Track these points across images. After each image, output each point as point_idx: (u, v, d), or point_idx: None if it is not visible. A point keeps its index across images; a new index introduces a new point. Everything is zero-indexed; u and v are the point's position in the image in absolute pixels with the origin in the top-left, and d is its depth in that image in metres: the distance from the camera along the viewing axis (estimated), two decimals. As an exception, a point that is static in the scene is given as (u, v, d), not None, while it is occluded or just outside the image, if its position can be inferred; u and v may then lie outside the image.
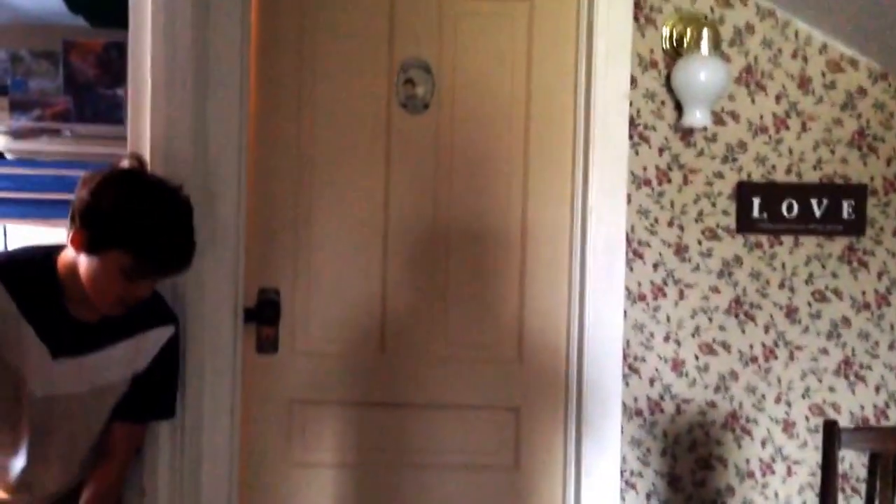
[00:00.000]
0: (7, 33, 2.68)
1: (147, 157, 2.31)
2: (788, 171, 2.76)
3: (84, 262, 1.98)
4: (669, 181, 2.74)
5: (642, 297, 2.74)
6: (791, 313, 2.77)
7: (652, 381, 2.76)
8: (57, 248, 2.07)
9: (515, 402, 2.81)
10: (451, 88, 2.78)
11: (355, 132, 2.77)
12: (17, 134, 2.69)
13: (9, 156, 2.73)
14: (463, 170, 2.79)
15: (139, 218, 1.94)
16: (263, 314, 2.73)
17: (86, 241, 1.95)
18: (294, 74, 2.75)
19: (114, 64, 2.63)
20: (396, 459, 2.81)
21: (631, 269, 2.73)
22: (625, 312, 2.73)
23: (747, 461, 2.79)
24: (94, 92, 2.63)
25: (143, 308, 2.11)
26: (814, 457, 2.76)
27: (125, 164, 2.05)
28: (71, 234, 1.97)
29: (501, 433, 2.83)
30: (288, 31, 2.74)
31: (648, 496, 2.78)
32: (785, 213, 2.74)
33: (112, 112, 2.58)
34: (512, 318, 2.81)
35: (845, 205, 2.76)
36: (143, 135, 2.37)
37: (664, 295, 2.75)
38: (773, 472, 2.79)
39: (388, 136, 2.77)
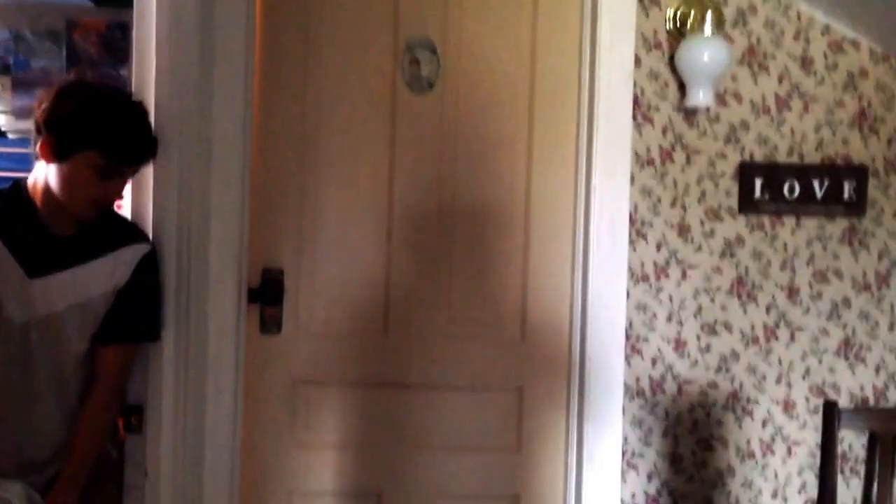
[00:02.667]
0: (10, 12, 2.67)
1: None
2: (790, 151, 2.77)
3: (55, 171, 2.08)
4: (672, 161, 2.75)
5: (645, 278, 2.76)
6: (792, 294, 2.79)
7: (654, 362, 2.77)
8: (23, 178, 2.18)
9: (518, 383, 2.82)
10: (457, 68, 2.78)
11: (360, 111, 2.77)
12: (19, 113, 2.69)
13: (11, 135, 2.73)
14: (467, 150, 2.79)
15: (101, 116, 2.07)
16: (267, 294, 2.73)
17: (54, 148, 2.05)
18: (299, 53, 2.75)
19: (117, 44, 2.63)
20: (399, 440, 2.82)
21: (634, 249, 2.74)
22: (627, 292, 2.74)
23: (748, 441, 2.80)
24: (97, 72, 2.64)
25: (117, 226, 2.26)
26: (813, 437, 2.78)
27: (72, 77, 2.24)
28: (39, 145, 2.07)
29: (504, 414, 2.83)
30: (293, 10, 2.74)
31: (649, 476, 2.79)
32: (786, 193, 2.76)
33: (115, 92, 2.57)
34: (515, 299, 2.82)
35: (846, 186, 2.77)
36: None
37: (667, 275, 2.76)
38: (772, 453, 2.81)
39: (392, 115, 2.77)
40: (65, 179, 2.07)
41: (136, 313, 2.27)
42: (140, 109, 2.19)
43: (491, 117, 2.79)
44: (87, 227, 2.18)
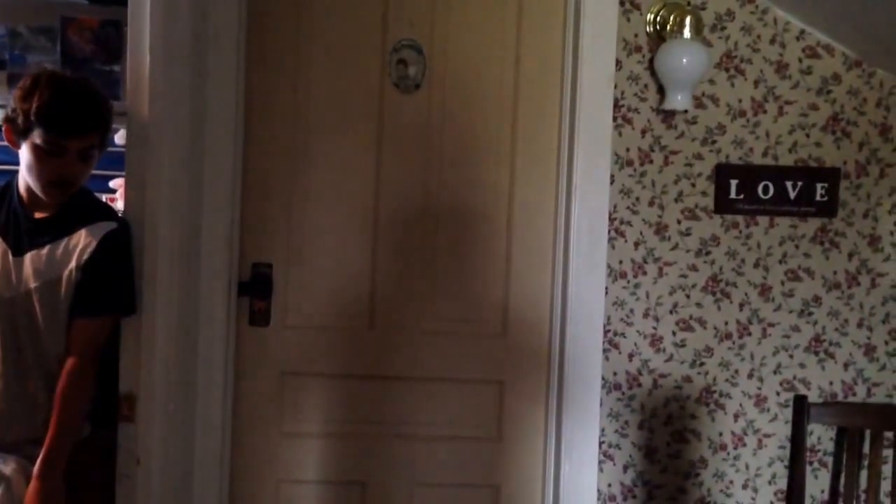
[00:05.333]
0: (6, 8, 2.70)
1: (145, 137, 2.37)
2: (765, 153, 2.83)
3: (21, 157, 2.24)
4: (651, 162, 2.80)
5: (623, 275, 2.81)
6: (765, 291, 2.85)
7: (631, 356, 2.83)
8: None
9: (499, 377, 2.87)
10: (443, 69, 2.83)
11: (349, 110, 2.82)
12: (13, 108, 2.72)
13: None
14: (452, 149, 2.84)
15: (40, 99, 2.17)
16: (256, 288, 2.78)
17: (11, 135, 2.23)
18: (290, 53, 2.79)
19: (110, 41, 2.66)
20: (383, 430, 2.88)
21: (613, 247, 2.80)
22: (606, 289, 2.79)
23: (720, 434, 2.87)
24: (91, 68, 2.65)
25: (91, 208, 2.35)
26: (783, 430, 2.84)
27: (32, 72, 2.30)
28: (3, 134, 2.24)
29: (485, 406, 2.89)
30: (284, 10, 2.78)
31: (625, 467, 2.85)
32: (761, 194, 2.81)
33: (108, 88, 2.60)
34: (497, 294, 2.86)
35: (818, 187, 2.83)
36: (140, 112, 2.40)
37: (644, 272, 2.82)
38: (744, 445, 2.87)
39: (381, 114, 2.82)
40: (26, 162, 2.23)
41: (101, 287, 2.31)
42: (84, 88, 2.28)
43: (475, 117, 2.84)
44: (64, 209, 2.29)
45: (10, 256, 2.27)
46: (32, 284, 2.25)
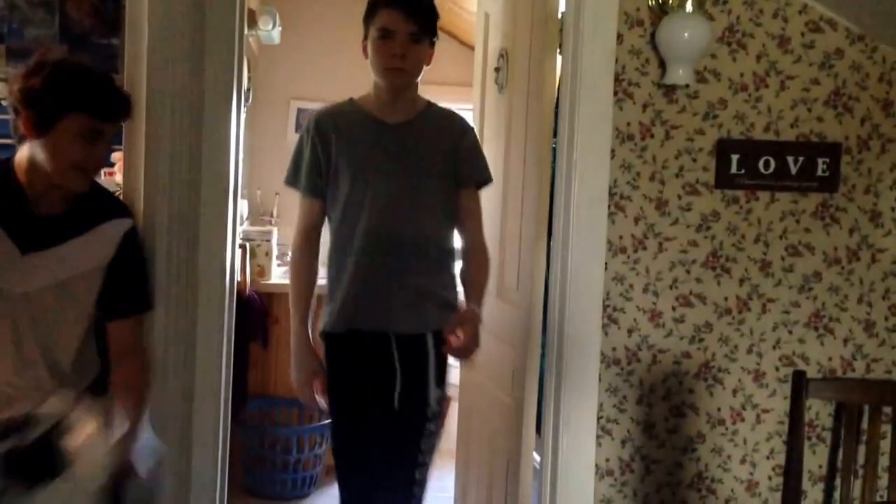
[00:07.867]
0: (3, -19, 2.69)
1: (143, 110, 2.37)
2: (767, 128, 2.82)
3: (40, 145, 2.12)
4: (652, 137, 2.79)
5: (623, 250, 2.80)
6: (765, 267, 2.85)
7: (630, 332, 2.83)
8: (10, 158, 2.20)
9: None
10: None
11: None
12: (13, 81, 2.71)
13: (6, 103, 2.75)
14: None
15: (73, 81, 2.10)
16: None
17: (36, 122, 2.09)
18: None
19: (109, 14, 2.65)
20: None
21: (613, 223, 2.78)
22: (605, 264, 2.78)
23: (718, 409, 2.87)
24: (90, 41, 2.64)
25: (100, 202, 2.28)
26: (782, 406, 2.84)
27: (35, 57, 2.19)
28: (21, 123, 2.11)
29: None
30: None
31: (623, 442, 2.86)
32: (762, 169, 2.80)
33: (107, 62, 2.59)
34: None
35: (820, 162, 2.82)
36: (139, 87, 2.40)
37: (644, 248, 2.81)
38: (742, 420, 2.88)
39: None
40: (51, 150, 2.11)
41: (132, 288, 2.34)
42: (105, 73, 2.24)
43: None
44: (73, 206, 2.22)
45: (17, 254, 2.18)
46: (48, 282, 2.20)
